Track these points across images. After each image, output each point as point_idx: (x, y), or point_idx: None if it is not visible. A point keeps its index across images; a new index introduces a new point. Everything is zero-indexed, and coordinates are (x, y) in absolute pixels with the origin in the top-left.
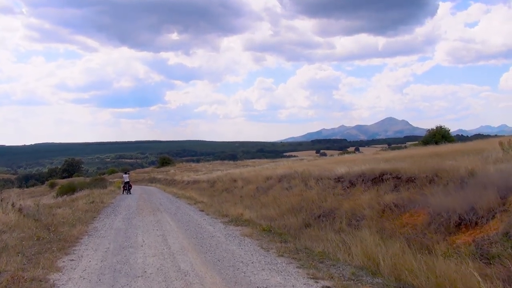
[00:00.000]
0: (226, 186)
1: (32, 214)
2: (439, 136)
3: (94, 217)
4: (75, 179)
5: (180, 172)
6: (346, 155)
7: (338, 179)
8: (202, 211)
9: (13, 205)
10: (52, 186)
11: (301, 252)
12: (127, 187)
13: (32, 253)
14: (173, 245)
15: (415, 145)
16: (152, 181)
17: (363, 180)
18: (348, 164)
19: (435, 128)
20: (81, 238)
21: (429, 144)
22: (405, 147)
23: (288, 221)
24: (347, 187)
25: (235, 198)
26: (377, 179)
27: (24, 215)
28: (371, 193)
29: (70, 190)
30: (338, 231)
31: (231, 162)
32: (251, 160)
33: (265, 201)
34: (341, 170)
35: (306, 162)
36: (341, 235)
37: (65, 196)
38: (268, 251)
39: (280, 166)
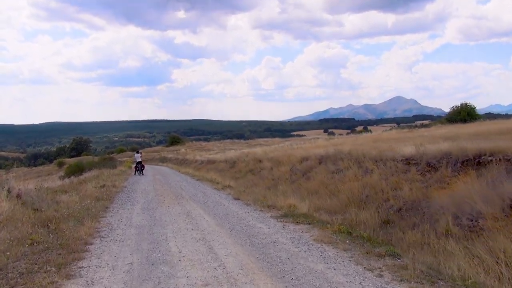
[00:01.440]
0: (250, 167)
1: (31, 202)
2: (465, 113)
3: (107, 207)
4: (84, 158)
5: (191, 151)
6: (364, 134)
7: (408, 161)
8: (238, 199)
9: (9, 190)
10: (60, 165)
11: (434, 279)
12: (139, 167)
13: (19, 271)
14: (227, 260)
15: (441, 123)
16: (163, 160)
17: (448, 162)
18: (399, 142)
19: (459, 105)
20: (91, 243)
21: (454, 122)
22: (416, 126)
23: (359, 216)
24: (426, 172)
25: (266, 181)
26: (471, 161)
27: (22, 203)
28: (473, 181)
29: (78, 170)
30: (444, 235)
31: (242, 141)
32: (263, 139)
33: (310, 187)
34: (407, 149)
35: (336, 140)
36: (462, 243)
37: (72, 177)
38: (380, 276)
39: (307, 146)
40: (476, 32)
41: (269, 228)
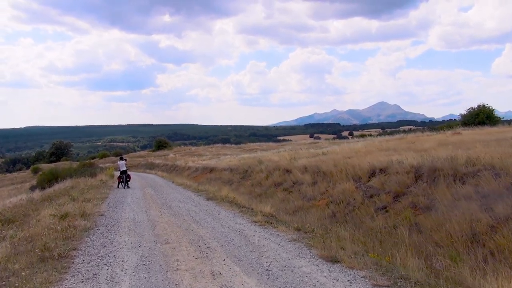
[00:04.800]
0: (276, 180)
1: None
2: (483, 116)
3: None
4: (62, 164)
5: (181, 156)
6: (380, 137)
7: None
8: (334, 260)
9: None
10: (35, 171)
11: None
12: (124, 178)
13: None
14: None
15: (459, 126)
16: (149, 167)
17: None
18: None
19: (476, 107)
20: None
21: (471, 125)
22: (435, 130)
23: None
24: None
25: (320, 205)
26: None
27: None
28: None
29: (53, 178)
30: None
31: (234, 145)
32: (257, 144)
33: (453, 230)
34: None
35: (369, 143)
36: None
37: (42, 187)
38: None
39: (339, 150)
40: (458, 39)
41: None
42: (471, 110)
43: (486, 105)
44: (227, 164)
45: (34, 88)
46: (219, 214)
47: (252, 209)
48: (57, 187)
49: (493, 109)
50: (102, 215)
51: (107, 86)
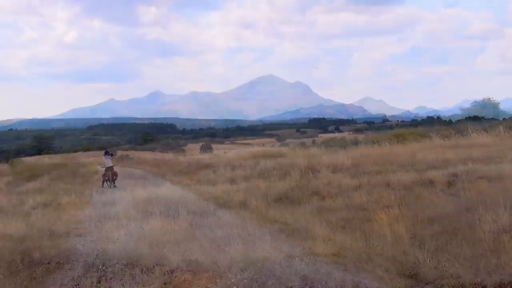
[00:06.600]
0: (300, 181)
1: None
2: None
3: None
4: (42, 158)
5: (169, 150)
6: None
7: None
8: None
9: None
10: (13, 165)
11: None
12: (110, 176)
13: None
14: None
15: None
16: (137, 161)
17: None
18: None
19: (481, 100)
20: None
21: (476, 120)
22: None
23: None
24: None
25: (388, 219)
26: None
27: None
28: None
29: (29, 174)
30: None
31: (224, 140)
32: (248, 138)
33: None
34: None
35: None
36: None
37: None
38: None
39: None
40: (443, 35)
41: None
42: (475, 104)
43: (492, 99)
44: (225, 160)
45: (16, 80)
46: (261, 239)
47: (299, 230)
48: (32, 185)
49: (498, 103)
50: (79, 235)
51: (92, 78)
